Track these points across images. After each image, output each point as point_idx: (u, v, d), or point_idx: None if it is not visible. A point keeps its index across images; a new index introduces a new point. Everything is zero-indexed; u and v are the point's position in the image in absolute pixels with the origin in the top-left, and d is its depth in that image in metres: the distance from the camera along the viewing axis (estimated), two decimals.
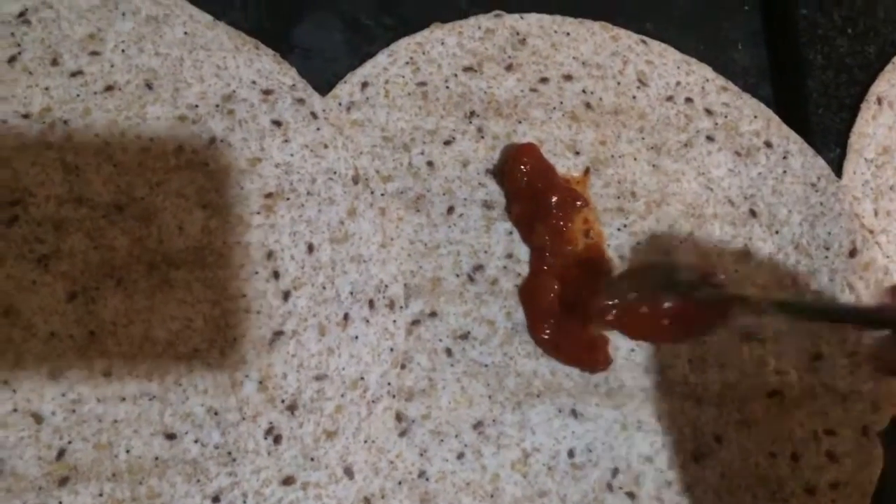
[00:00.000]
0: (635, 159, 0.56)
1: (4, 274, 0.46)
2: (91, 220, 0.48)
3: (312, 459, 0.46)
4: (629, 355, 0.52)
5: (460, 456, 0.49)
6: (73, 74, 0.50)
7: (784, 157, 0.57)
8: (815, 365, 0.53)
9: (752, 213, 0.56)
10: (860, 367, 0.52)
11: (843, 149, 0.57)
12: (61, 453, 0.44)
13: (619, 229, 0.54)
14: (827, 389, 0.52)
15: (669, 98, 0.58)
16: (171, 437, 0.45)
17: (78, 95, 0.50)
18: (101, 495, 0.44)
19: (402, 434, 0.48)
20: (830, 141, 0.58)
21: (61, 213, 0.48)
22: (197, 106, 0.51)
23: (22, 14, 0.50)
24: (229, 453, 0.46)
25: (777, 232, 0.55)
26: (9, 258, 0.46)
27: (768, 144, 0.57)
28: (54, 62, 0.50)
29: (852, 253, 0.54)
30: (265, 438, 0.46)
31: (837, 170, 0.57)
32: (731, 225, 0.55)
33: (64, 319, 0.46)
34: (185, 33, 0.52)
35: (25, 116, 0.49)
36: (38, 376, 0.45)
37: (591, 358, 0.51)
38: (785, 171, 0.57)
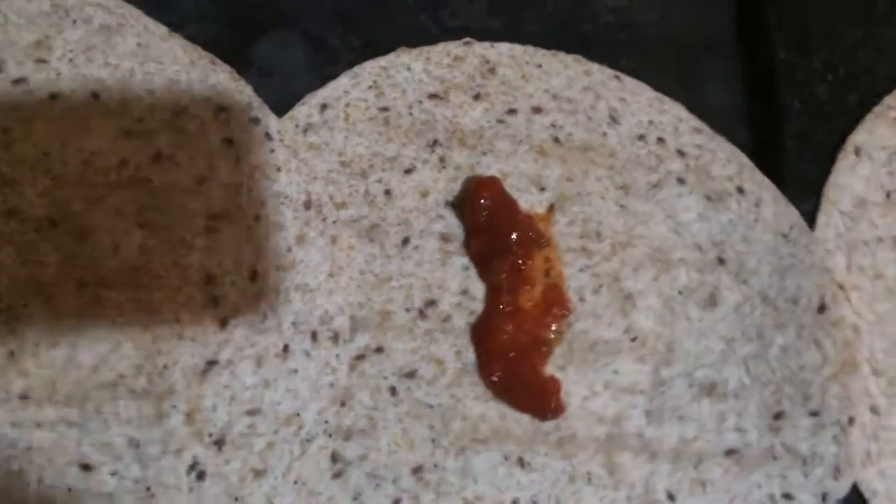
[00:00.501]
0: (602, 198, 0.54)
1: None
2: (22, 234, 0.46)
3: (237, 500, 0.44)
4: (583, 403, 0.50)
5: (396, 502, 0.46)
6: (16, 82, 0.48)
7: (756, 205, 0.55)
8: (776, 424, 0.50)
9: (720, 261, 0.53)
10: (824, 428, 0.50)
11: (818, 199, 0.55)
12: None
13: (581, 270, 0.52)
14: (787, 450, 0.49)
15: (641, 137, 0.56)
16: (87, 467, 0.43)
17: (20, 104, 0.48)
18: None
19: (337, 476, 0.46)
20: (805, 190, 0.56)
21: None
22: (144, 119, 0.49)
23: None
24: (148, 488, 0.43)
25: (745, 281, 0.53)
26: None
27: (740, 190, 0.55)
28: None
29: (821, 308, 0.52)
30: (188, 474, 0.44)
31: (811, 221, 0.55)
32: (698, 271, 0.53)
33: None
34: (138, 44, 0.50)
35: None
36: None
37: (543, 404, 0.49)
38: (756, 219, 0.54)
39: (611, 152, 0.55)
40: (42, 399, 0.43)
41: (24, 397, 0.43)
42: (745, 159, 0.56)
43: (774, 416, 0.50)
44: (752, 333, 0.52)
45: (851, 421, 0.50)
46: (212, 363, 0.46)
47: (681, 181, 0.55)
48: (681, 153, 0.56)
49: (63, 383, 0.44)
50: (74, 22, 0.49)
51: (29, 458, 0.43)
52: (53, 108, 0.48)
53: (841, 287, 0.53)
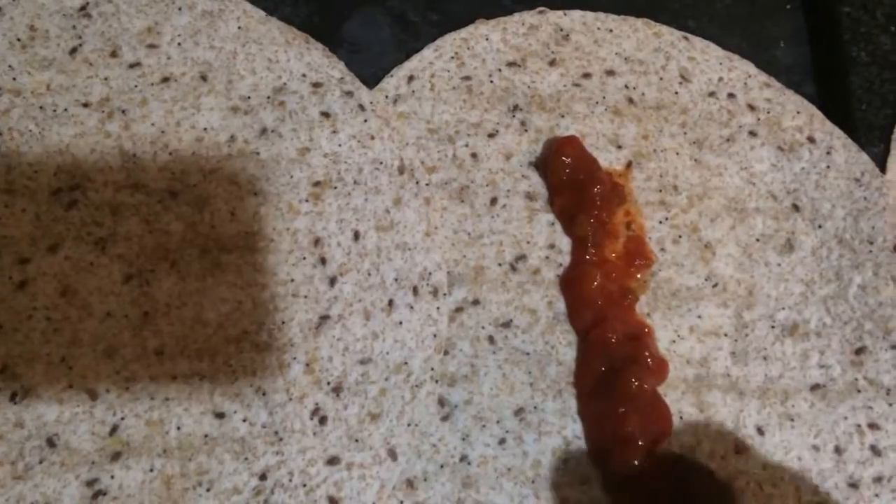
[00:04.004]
0: (677, 154, 0.56)
1: (63, 256, 0.48)
2: (147, 206, 0.49)
3: (357, 441, 0.47)
4: (670, 346, 0.52)
5: (502, 441, 0.49)
6: (132, 66, 0.52)
7: (827, 153, 0.57)
8: (858, 358, 0.52)
9: (795, 208, 0.56)
10: None
11: (887, 144, 0.57)
12: (114, 429, 0.46)
13: (660, 222, 0.55)
14: (870, 383, 0.52)
15: (711, 94, 0.58)
16: (220, 415, 0.46)
17: (136, 86, 0.52)
18: (151, 470, 0.45)
19: (445, 419, 0.49)
20: (874, 137, 0.58)
21: (118, 199, 0.49)
22: (249, 97, 0.52)
23: (83, 8, 0.52)
24: (276, 433, 0.47)
25: (820, 226, 0.55)
26: (67, 240, 0.48)
27: (811, 140, 0.57)
28: (113, 54, 0.52)
29: None
30: (311, 419, 0.47)
31: (881, 165, 0.57)
32: (774, 219, 0.55)
33: (119, 300, 0.47)
34: (239, 28, 0.54)
35: (85, 105, 0.51)
36: (94, 354, 0.46)
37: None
38: (828, 167, 0.56)
39: (683, 110, 0.57)
40: (175, 354, 0.47)
41: (158, 353, 0.47)
42: (814, 110, 0.58)
43: (856, 351, 0.52)
44: (830, 275, 0.54)
45: None
46: (324, 318, 0.49)
47: (753, 134, 0.57)
48: (751, 107, 0.58)
49: (193, 339, 0.47)
50: (180, 9, 0.53)
51: (167, 409, 0.46)
52: (166, 90, 0.52)
53: None
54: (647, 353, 0.50)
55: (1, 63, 0.50)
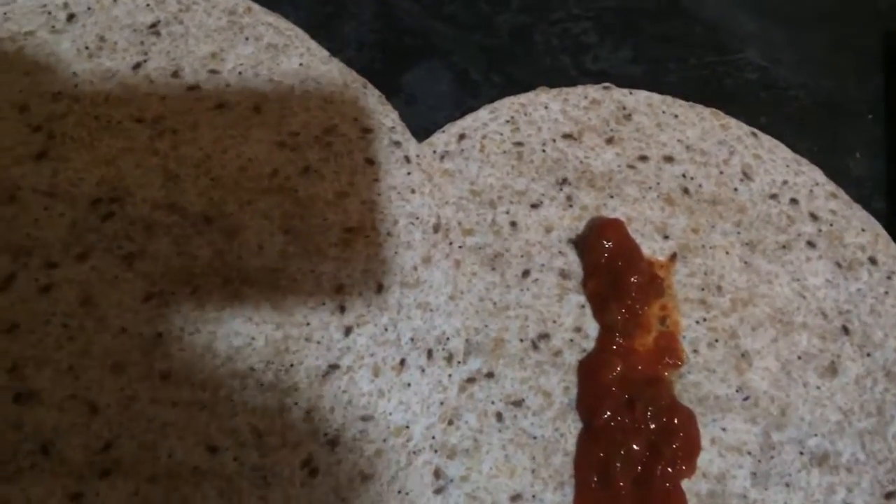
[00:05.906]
0: (727, 253, 0.54)
1: (90, 265, 0.48)
2: (179, 227, 0.50)
3: (343, 499, 0.46)
4: None
5: None
6: (191, 88, 0.53)
7: (888, 277, 0.53)
8: (888, 503, 0.49)
9: (845, 330, 0.52)
10: None
11: None
12: (108, 446, 0.45)
13: (697, 322, 0.52)
14: None
15: (773, 196, 0.55)
16: (212, 449, 0.46)
17: (191, 109, 0.52)
18: (136, 494, 0.45)
19: (438, 492, 0.47)
20: None
21: (154, 217, 0.50)
22: (298, 134, 0.52)
23: (153, 25, 0.54)
24: (264, 477, 0.46)
25: (869, 354, 0.52)
26: (97, 251, 0.48)
27: (873, 261, 0.54)
28: (175, 74, 0.53)
29: None
30: (301, 469, 0.46)
31: None
32: (821, 338, 0.52)
33: (136, 318, 0.48)
34: (301, 64, 0.54)
35: (139, 121, 0.51)
36: (102, 368, 0.46)
37: None
38: (887, 292, 0.53)
39: (740, 208, 0.55)
40: (180, 381, 0.47)
41: (164, 377, 0.47)
42: (880, 230, 0.55)
43: (886, 495, 0.49)
44: (871, 408, 0.51)
45: None
46: (333, 367, 0.48)
47: (811, 245, 0.54)
48: (814, 217, 0.55)
49: (200, 368, 0.47)
50: (247, 38, 0.54)
51: (163, 434, 0.46)
52: (219, 117, 0.52)
53: None
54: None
55: (66, 69, 0.52)
